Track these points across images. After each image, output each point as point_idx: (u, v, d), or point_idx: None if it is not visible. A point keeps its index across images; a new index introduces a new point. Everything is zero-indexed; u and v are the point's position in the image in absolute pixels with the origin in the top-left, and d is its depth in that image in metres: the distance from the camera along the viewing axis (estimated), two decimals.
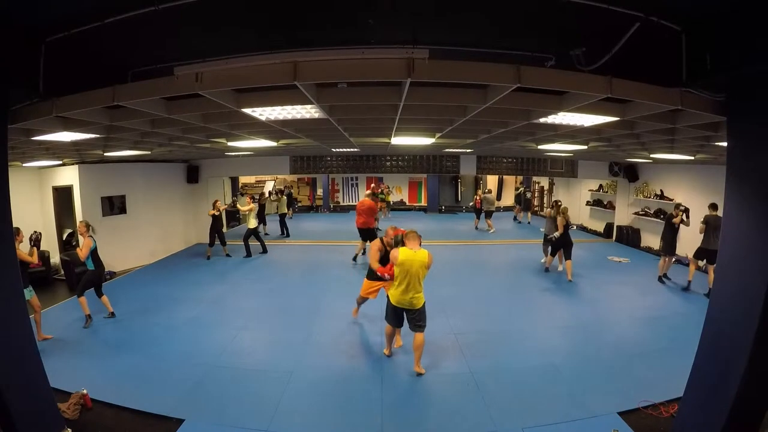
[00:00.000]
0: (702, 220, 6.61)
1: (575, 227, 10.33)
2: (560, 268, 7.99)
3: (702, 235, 6.58)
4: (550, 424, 3.42)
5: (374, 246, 4.96)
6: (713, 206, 6.52)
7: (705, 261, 6.61)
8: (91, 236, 5.48)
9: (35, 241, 5.12)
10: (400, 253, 3.96)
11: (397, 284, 4.04)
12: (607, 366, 4.37)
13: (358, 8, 2.12)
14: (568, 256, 7.60)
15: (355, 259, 8.69)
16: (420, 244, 4.10)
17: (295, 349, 4.75)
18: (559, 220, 7.52)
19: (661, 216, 9.18)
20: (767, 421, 2.60)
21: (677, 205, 7.45)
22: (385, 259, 4.82)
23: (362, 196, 11.37)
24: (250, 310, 6.22)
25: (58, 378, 3.51)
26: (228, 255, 9.38)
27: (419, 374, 4.15)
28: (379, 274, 4.70)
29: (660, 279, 7.51)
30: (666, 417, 3.46)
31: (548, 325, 5.56)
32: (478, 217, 13.15)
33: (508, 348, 4.81)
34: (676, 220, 7.15)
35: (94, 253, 5.50)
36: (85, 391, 3.63)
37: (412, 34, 2.13)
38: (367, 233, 8.27)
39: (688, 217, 7.27)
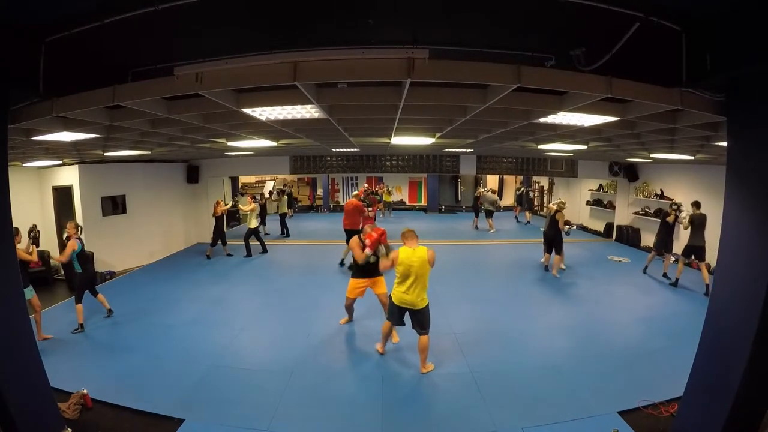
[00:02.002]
0: (688, 218, 6.92)
1: (575, 227, 10.33)
2: (562, 266, 8.01)
3: (688, 231, 6.93)
4: (550, 424, 3.42)
5: (353, 241, 4.85)
6: (696, 204, 6.89)
7: (693, 257, 6.90)
8: (78, 238, 5.29)
9: (33, 238, 5.07)
10: (399, 253, 3.97)
11: (398, 283, 4.05)
12: (607, 366, 4.37)
13: (359, 8, 2.12)
14: (558, 252, 7.77)
15: (342, 263, 8.33)
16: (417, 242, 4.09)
17: (295, 349, 4.75)
18: (550, 206, 7.68)
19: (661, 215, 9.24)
20: (767, 421, 2.60)
21: (671, 204, 7.55)
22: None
23: None
24: (251, 309, 6.22)
25: (58, 378, 3.51)
26: (229, 255, 9.39)
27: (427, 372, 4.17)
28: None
29: (644, 270, 7.92)
30: (666, 417, 3.46)
31: (548, 324, 5.55)
32: (477, 216, 13.14)
33: (508, 348, 4.81)
34: (669, 218, 7.34)
35: (81, 255, 5.29)
36: (85, 391, 3.63)
37: (412, 34, 2.12)
38: (354, 235, 7.99)
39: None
